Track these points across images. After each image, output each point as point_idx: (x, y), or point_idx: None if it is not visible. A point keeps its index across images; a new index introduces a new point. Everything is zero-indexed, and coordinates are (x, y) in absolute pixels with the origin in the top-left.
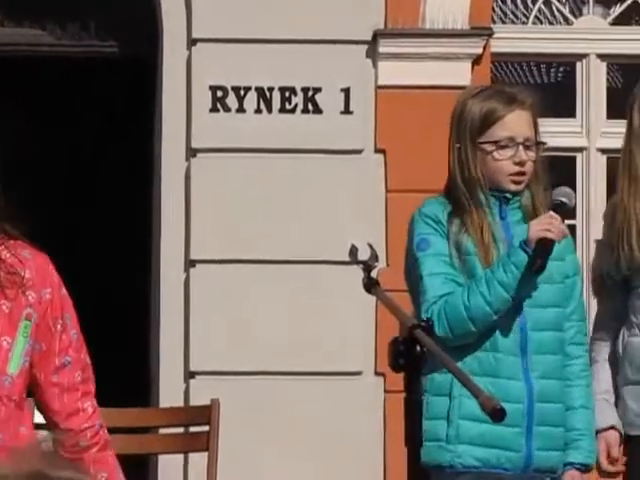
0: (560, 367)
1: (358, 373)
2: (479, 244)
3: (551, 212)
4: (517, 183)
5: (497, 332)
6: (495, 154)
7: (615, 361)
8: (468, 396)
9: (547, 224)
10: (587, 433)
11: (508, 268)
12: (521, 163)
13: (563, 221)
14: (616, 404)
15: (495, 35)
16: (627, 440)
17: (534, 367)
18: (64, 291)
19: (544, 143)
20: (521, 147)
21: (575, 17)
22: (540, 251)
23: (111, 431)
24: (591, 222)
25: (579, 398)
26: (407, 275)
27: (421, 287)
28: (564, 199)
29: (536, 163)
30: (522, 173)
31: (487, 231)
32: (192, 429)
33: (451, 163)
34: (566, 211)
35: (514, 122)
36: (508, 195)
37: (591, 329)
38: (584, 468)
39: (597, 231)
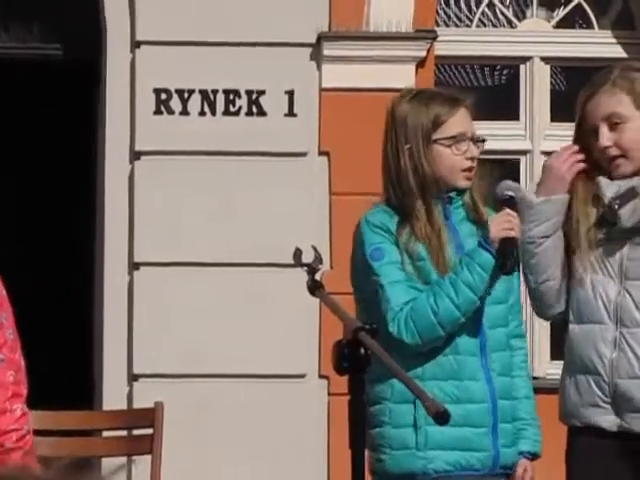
0: (510, 362)
1: (302, 376)
2: (431, 249)
3: (507, 209)
4: (468, 179)
5: (454, 336)
6: (454, 149)
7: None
8: None
9: (507, 222)
10: (532, 422)
11: (474, 269)
12: (472, 158)
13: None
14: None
15: (439, 38)
16: (569, 431)
17: (493, 365)
18: (3, 292)
19: (485, 140)
20: (471, 142)
21: (519, 20)
22: (506, 251)
23: (55, 434)
24: None
25: (522, 388)
26: (356, 283)
27: (383, 296)
28: (511, 192)
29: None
30: (472, 168)
31: (441, 233)
32: (136, 432)
33: (397, 167)
34: (514, 204)
35: (462, 119)
36: (452, 194)
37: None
38: (532, 457)
39: None
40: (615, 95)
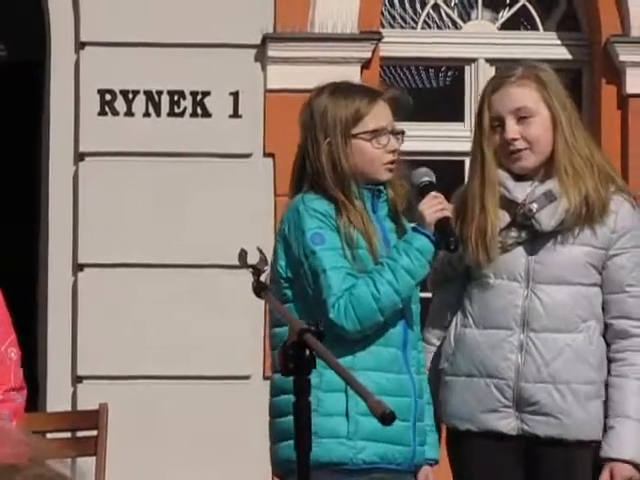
0: (421, 363)
1: (246, 377)
2: (365, 237)
3: (432, 193)
4: (390, 171)
5: (389, 326)
6: (374, 143)
7: (443, 350)
8: None
9: (438, 204)
10: (433, 428)
11: (413, 254)
12: (394, 151)
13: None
14: (440, 395)
15: (384, 39)
16: (453, 434)
17: (412, 362)
18: None
19: (404, 132)
20: (391, 135)
21: (464, 21)
22: (448, 230)
23: None
24: None
25: (425, 393)
26: (290, 265)
27: (324, 282)
28: (429, 178)
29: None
30: (394, 162)
31: (368, 224)
32: (80, 434)
33: (317, 161)
34: (434, 188)
35: (382, 112)
36: (381, 188)
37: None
38: (434, 462)
39: None
40: (523, 89)
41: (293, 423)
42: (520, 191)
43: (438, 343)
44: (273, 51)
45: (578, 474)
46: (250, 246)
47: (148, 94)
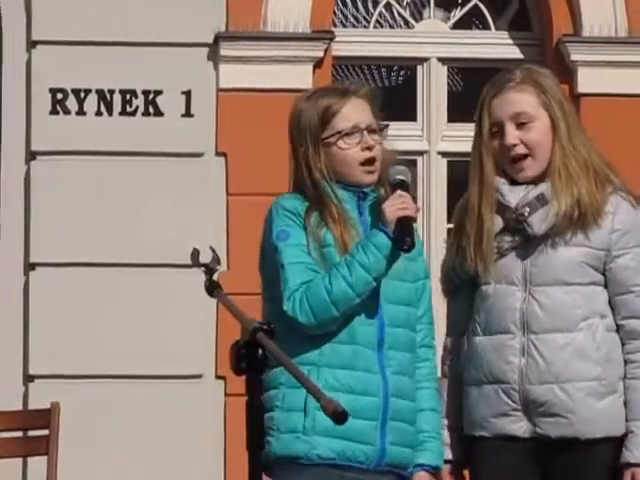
0: (412, 365)
1: (199, 376)
2: (339, 239)
3: (399, 191)
4: (370, 173)
5: (356, 324)
6: (340, 143)
7: (462, 359)
8: None
9: (401, 203)
10: (435, 435)
11: (368, 250)
12: (369, 148)
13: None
14: (462, 402)
15: (336, 39)
16: (471, 441)
17: (389, 362)
18: None
19: (387, 125)
20: (365, 132)
21: (416, 21)
22: (405, 230)
23: None
24: (432, 224)
25: (427, 401)
26: (262, 268)
27: (282, 276)
28: (402, 177)
29: (384, 161)
30: (372, 159)
31: (348, 228)
32: (31, 433)
33: (296, 166)
34: (406, 188)
35: (352, 111)
36: (366, 190)
37: (445, 329)
38: (433, 470)
39: (437, 233)
40: (523, 95)
41: (245, 423)
42: (514, 196)
43: (454, 351)
44: (225, 50)
45: (592, 474)
46: (202, 245)
47: (100, 93)
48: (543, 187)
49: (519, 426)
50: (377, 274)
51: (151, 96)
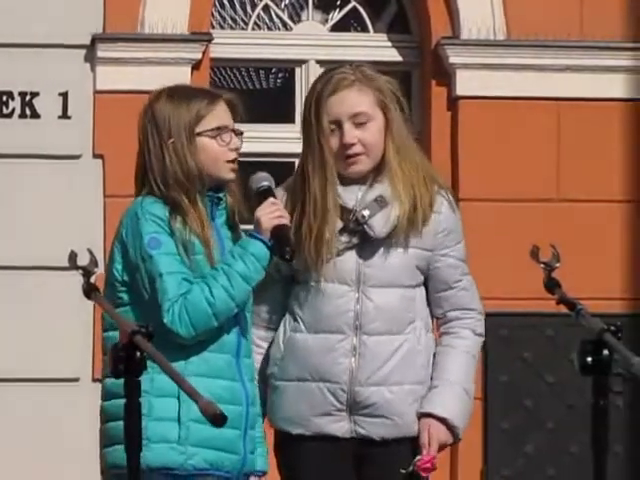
0: (253, 371)
1: (75, 379)
2: (206, 247)
3: (271, 199)
4: (234, 171)
5: (223, 333)
6: (218, 140)
7: (272, 354)
8: None
9: (276, 210)
10: (264, 440)
11: (248, 259)
12: (236, 149)
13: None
14: (269, 399)
15: (214, 40)
16: (284, 438)
17: (245, 370)
18: None
19: (243, 132)
20: (233, 134)
21: (294, 23)
22: (282, 239)
23: None
24: None
25: (257, 402)
26: (115, 269)
27: (160, 286)
28: (267, 183)
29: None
30: (236, 160)
31: (207, 230)
32: None
33: (161, 163)
34: (273, 194)
35: (223, 112)
36: (220, 195)
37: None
38: (262, 474)
39: None
40: (361, 94)
41: (123, 425)
42: (349, 196)
43: (264, 345)
44: (102, 52)
45: (398, 468)
46: (80, 247)
47: None
48: (380, 188)
49: (340, 426)
50: (255, 283)
51: (28, 98)
